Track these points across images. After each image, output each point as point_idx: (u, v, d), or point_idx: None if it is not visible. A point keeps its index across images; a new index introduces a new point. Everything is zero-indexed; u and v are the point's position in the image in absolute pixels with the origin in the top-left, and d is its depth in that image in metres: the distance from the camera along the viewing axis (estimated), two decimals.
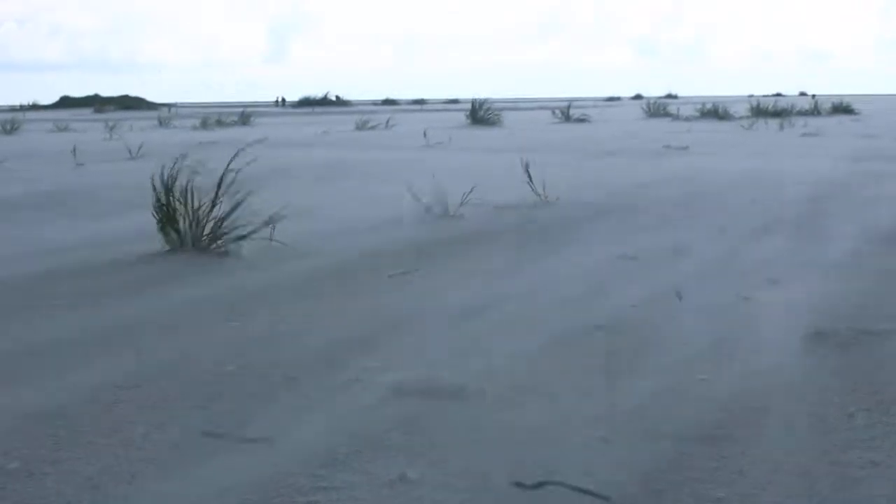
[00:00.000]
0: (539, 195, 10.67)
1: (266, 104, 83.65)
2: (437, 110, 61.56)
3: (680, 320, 5.46)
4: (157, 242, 7.91)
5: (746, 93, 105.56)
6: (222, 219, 7.80)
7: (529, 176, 10.64)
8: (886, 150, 19.29)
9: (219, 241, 7.82)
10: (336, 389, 4.28)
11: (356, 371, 4.51)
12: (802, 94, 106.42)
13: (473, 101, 36.73)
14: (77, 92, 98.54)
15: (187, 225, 7.88)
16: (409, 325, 5.46)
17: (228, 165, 7.88)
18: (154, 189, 7.94)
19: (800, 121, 32.34)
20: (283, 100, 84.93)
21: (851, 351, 4.80)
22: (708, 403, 4.04)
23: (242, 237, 7.76)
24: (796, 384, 4.29)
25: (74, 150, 18.56)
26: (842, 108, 42.21)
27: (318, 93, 78.15)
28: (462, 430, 3.76)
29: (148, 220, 8.11)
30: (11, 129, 32.27)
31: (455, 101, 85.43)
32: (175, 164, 8.02)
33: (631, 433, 3.69)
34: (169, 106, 68.96)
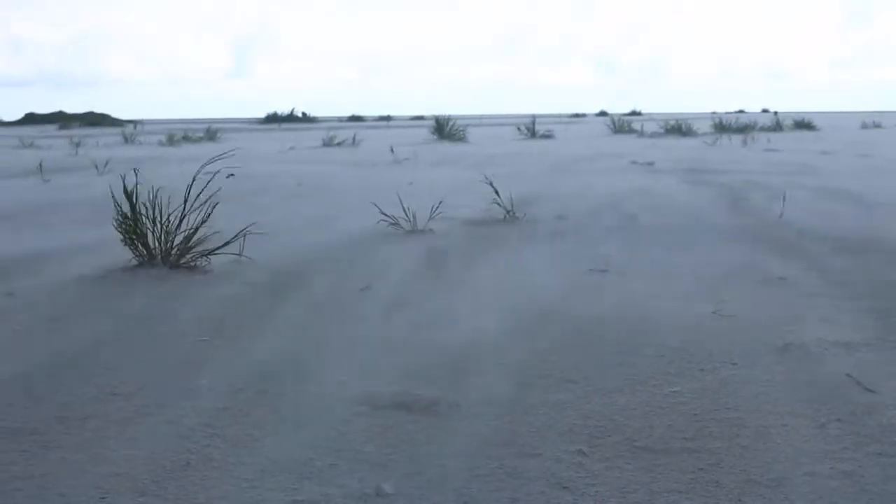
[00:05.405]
0: (507, 210, 10.76)
1: (231, 120, 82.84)
2: (404, 127, 61.67)
3: None
4: (127, 255, 7.90)
5: (709, 110, 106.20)
6: (192, 233, 7.80)
7: (497, 192, 10.73)
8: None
9: (188, 256, 7.82)
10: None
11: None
12: (765, 110, 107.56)
13: (438, 118, 36.87)
14: (41, 108, 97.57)
15: (156, 238, 7.87)
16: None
17: (194, 180, 7.85)
18: (116, 203, 7.88)
19: (762, 136, 32.73)
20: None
21: None
22: None
23: (211, 252, 7.78)
24: None
25: (41, 165, 18.49)
26: (803, 125, 42.90)
27: (284, 109, 77.80)
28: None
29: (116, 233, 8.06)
30: None
31: (420, 118, 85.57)
32: (138, 177, 8.02)
33: None
34: (135, 122, 68.60)
